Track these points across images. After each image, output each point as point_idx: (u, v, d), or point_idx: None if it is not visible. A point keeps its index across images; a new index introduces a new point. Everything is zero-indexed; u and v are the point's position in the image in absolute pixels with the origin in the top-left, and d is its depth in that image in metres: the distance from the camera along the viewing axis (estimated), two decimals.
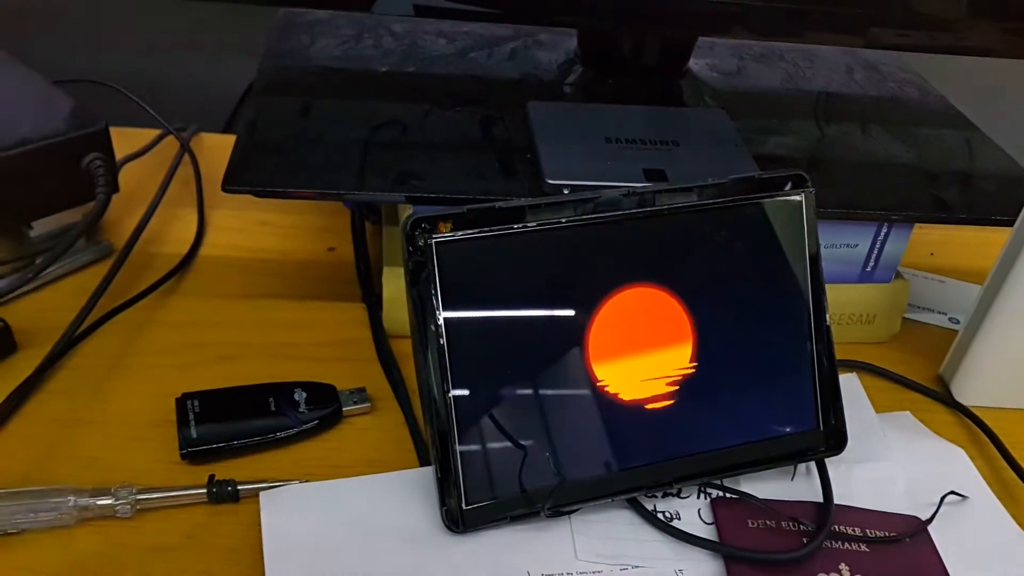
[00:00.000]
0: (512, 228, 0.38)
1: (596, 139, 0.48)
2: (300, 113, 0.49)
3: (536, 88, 0.54)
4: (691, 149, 0.48)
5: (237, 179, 0.44)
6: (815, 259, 0.42)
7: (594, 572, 0.38)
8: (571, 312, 0.39)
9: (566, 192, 0.44)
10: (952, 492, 0.42)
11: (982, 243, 0.62)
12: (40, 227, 0.51)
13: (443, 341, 0.38)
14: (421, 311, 0.38)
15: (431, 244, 0.37)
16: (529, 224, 0.38)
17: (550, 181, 0.45)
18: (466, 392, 0.38)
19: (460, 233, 0.38)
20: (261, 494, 0.39)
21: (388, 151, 0.47)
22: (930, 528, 0.41)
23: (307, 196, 0.45)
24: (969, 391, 0.50)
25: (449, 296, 0.38)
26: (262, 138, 0.47)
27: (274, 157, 0.46)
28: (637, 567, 0.38)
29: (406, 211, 0.50)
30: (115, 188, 0.51)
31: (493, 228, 0.38)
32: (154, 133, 0.64)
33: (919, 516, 0.41)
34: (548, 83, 0.55)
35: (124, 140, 0.52)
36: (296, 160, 0.46)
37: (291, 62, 0.54)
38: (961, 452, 0.46)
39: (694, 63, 0.57)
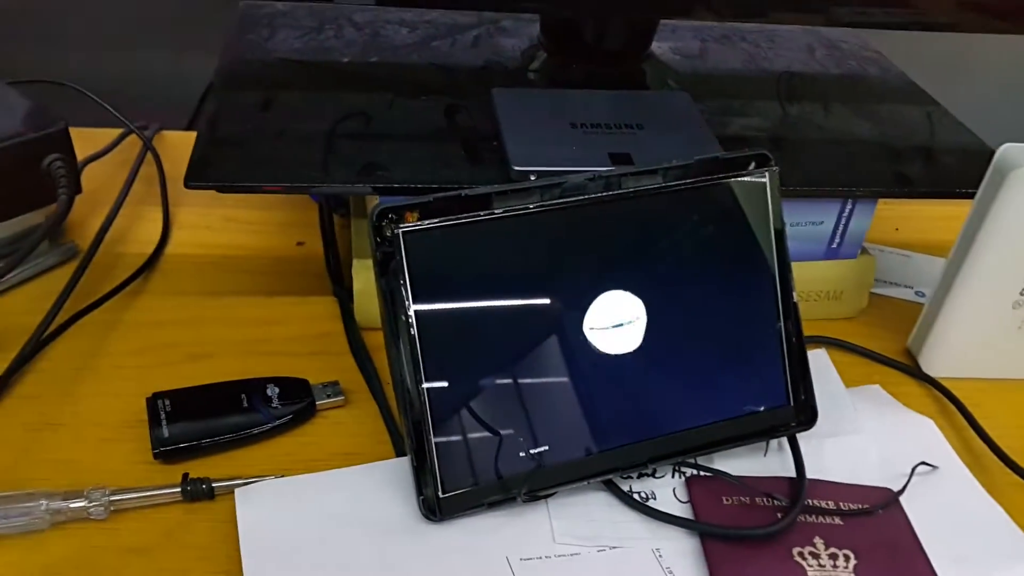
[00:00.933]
0: (479, 215, 0.38)
1: (561, 124, 0.48)
2: (262, 107, 0.49)
3: (500, 75, 0.54)
4: (656, 132, 0.48)
5: (199, 175, 0.44)
6: (780, 237, 0.43)
7: (572, 555, 0.38)
8: (542, 297, 0.39)
9: (532, 178, 0.44)
10: (923, 463, 0.43)
11: (945, 217, 0.63)
12: (1, 230, 0.51)
13: (414, 331, 0.38)
14: (391, 302, 0.38)
15: (398, 234, 0.37)
16: (496, 211, 0.39)
17: (516, 168, 0.45)
18: (439, 381, 0.38)
19: (427, 222, 0.38)
20: (236, 491, 0.39)
21: (353, 142, 0.47)
22: (902, 499, 0.42)
23: (271, 190, 0.44)
24: (936, 362, 0.50)
25: (418, 286, 0.38)
26: (224, 133, 0.47)
27: (236, 151, 0.46)
28: (615, 548, 0.39)
29: (373, 202, 0.50)
30: (77, 189, 0.50)
31: (460, 216, 0.38)
32: (116, 132, 0.63)
33: (891, 487, 0.42)
34: (512, 70, 0.55)
35: (86, 140, 0.51)
36: (259, 154, 0.46)
37: (251, 55, 0.53)
38: (930, 423, 0.46)
39: (656, 46, 0.57)
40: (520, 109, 0.49)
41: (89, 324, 0.48)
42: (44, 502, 0.38)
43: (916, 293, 0.57)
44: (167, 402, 0.42)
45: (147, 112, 0.66)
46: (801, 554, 0.39)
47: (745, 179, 0.42)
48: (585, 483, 0.40)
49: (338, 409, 0.45)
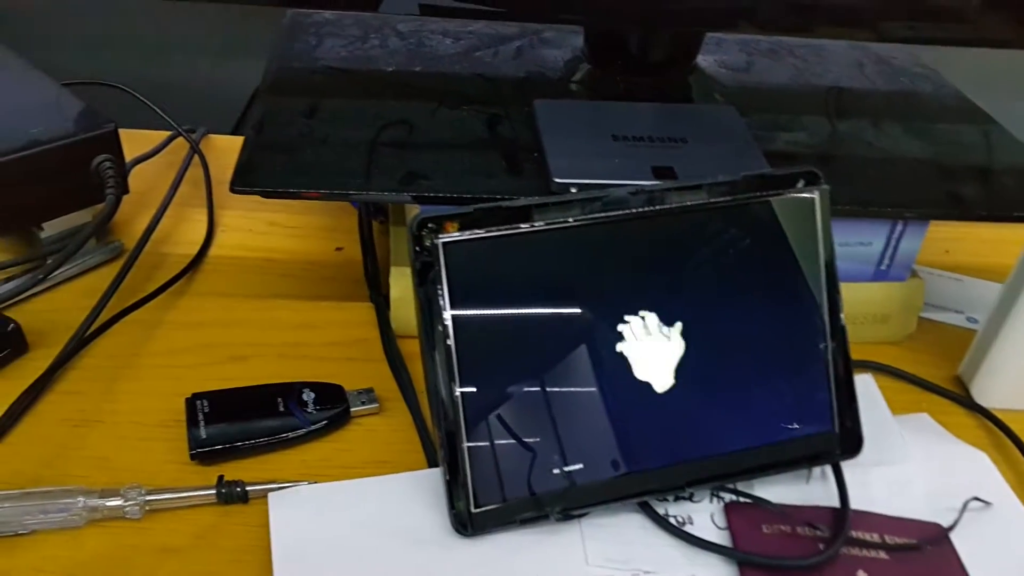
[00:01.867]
0: (519, 228, 0.38)
1: (603, 137, 0.47)
2: (307, 113, 0.49)
3: (542, 86, 0.54)
4: (700, 146, 0.47)
5: (245, 180, 0.44)
6: (830, 257, 0.42)
7: None
8: (580, 312, 0.39)
9: (573, 191, 0.44)
10: (975, 498, 0.41)
11: (1000, 240, 0.61)
12: (50, 228, 0.52)
13: (450, 341, 0.37)
14: (428, 311, 0.38)
15: (438, 244, 0.37)
16: (536, 223, 0.38)
17: (557, 180, 0.45)
18: (474, 393, 0.38)
19: (467, 233, 0.38)
20: (270, 495, 0.39)
21: (395, 151, 0.47)
22: (952, 535, 0.40)
23: (314, 196, 0.44)
24: (990, 392, 0.49)
25: (456, 296, 0.37)
26: (269, 139, 0.47)
27: (281, 157, 0.46)
28: (648, 572, 0.38)
29: (413, 211, 0.50)
30: (125, 189, 0.51)
31: (500, 228, 0.38)
32: (164, 135, 0.64)
33: (940, 523, 0.40)
34: (554, 81, 0.55)
35: (134, 142, 0.52)
36: (303, 160, 0.46)
37: (298, 63, 0.53)
38: (983, 456, 0.45)
39: (702, 59, 0.57)
40: (562, 120, 0.49)
41: (132, 323, 0.49)
42: (82, 499, 0.38)
43: (967, 319, 0.56)
44: (205, 403, 0.43)
45: (193, 115, 0.67)
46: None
47: (793, 197, 0.41)
48: (620, 504, 0.39)
49: (372, 416, 0.45)
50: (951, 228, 0.62)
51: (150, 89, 0.66)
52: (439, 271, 0.37)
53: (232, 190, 0.44)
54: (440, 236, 0.37)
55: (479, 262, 0.38)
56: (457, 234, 0.38)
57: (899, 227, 0.49)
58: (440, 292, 0.37)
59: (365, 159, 0.46)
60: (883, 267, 0.51)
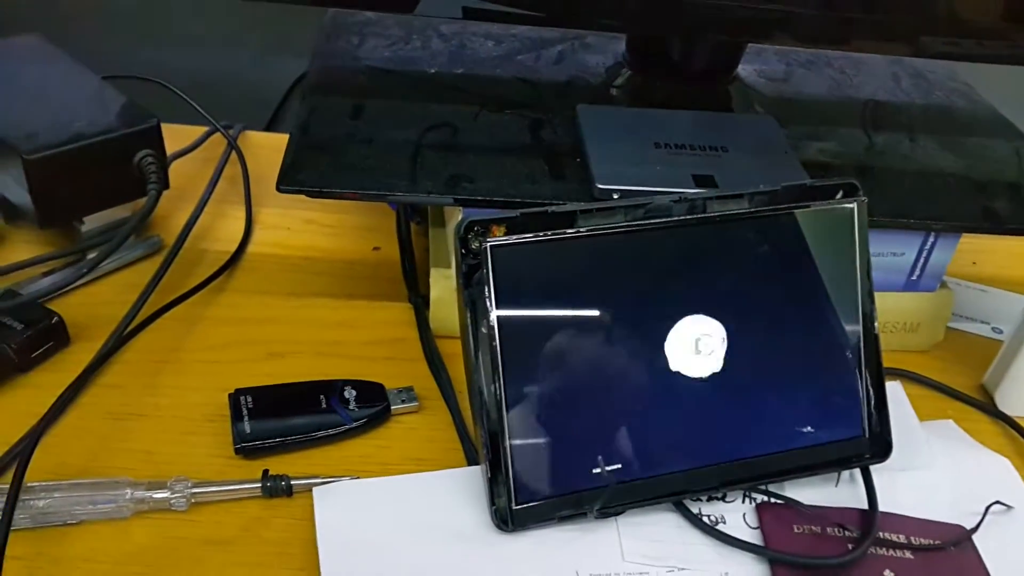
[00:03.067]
0: (564, 233, 0.39)
1: (645, 144, 0.48)
2: (351, 114, 0.50)
3: (584, 91, 0.54)
4: (740, 155, 0.48)
5: (291, 179, 0.45)
6: (866, 268, 0.42)
7: (640, 574, 0.38)
8: (623, 316, 0.40)
9: (616, 197, 0.45)
10: (997, 502, 0.42)
11: None
12: (90, 222, 0.52)
13: (496, 343, 0.38)
14: (473, 313, 0.39)
15: (486, 247, 0.38)
16: (581, 229, 0.39)
17: (600, 186, 0.45)
18: (517, 393, 0.38)
19: (514, 237, 0.38)
20: (315, 489, 0.40)
21: (438, 153, 0.47)
22: (975, 537, 0.41)
23: (359, 197, 0.45)
24: (1014, 401, 0.49)
25: (502, 298, 0.38)
26: (314, 139, 0.48)
27: (326, 158, 0.46)
28: (683, 569, 0.39)
29: (454, 213, 0.50)
30: (166, 185, 0.52)
31: (545, 232, 0.38)
32: (200, 130, 0.65)
33: (964, 525, 0.41)
34: (596, 86, 0.55)
35: (171, 137, 0.52)
36: (348, 161, 0.46)
37: (341, 62, 0.54)
38: (1006, 462, 0.45)
39: (742, 68, 0.57)
40: (604, 126, 0.49)
41: (173, 318, 0.49)
42: (129, 491, 0.39)
43: (993, 329, 0.56)
44: (249, 399, 0.43)
45: (226, 111, 0.67)
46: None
47: (832, 208, 0.42)
48: (656, 503, 0.40)
49: (412, 415, 0.45)
50: (978, 240, 0.62)
51: (184, 84, 0.66)
52: (486, 273, 0.38)
53: (279, 189, 0.44)
54: (488, 240, 0.38)
55: (524, 265, 0.39)
56: (504, 238, 0.38)
57: (931, 239, 0.50)
58: (487, 294, 0.38)
59: (409, 161, 0.46)
60: (914, 277, 0.51)
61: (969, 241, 0.60)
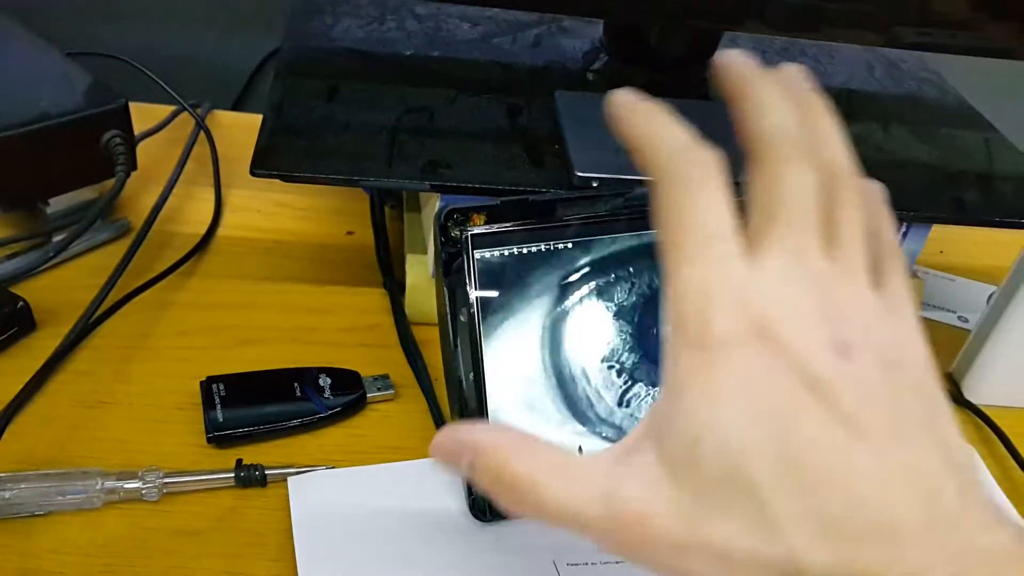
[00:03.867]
0: (545, 222, 0.38)
1: None
2: (326, 96, 0.49)
3: (561, 76, 0.54)
4: (719, 144, 0.48)
5: (265, 163, 0.44)
6: None
7: (617, 562, 0.39)
8: (605, 303, 0.39)
9: (595, 185, 0.44)
10: None
11: (991, 242, 0.63)
12: (56, 204, 0.51)
13: (477, 331, 0.38)
14: (453, 301, 0.38)
15: (467, 236, 0.37)
16: (562, 218, 0.38)
17: (580, 173, 0.45)
18: (496, 383, 0.38)
19: (495, 226, 0.38)
20: (289, 479, 0.40)
21: (415, 138, 0.47)
22: None
23: (334, 182, 0.44)
24: (980, 390, 0.50)
25: (483, 287, 0.38)
26: (288, 121, 0.47)
27: (301, 141, 0.45)
28: None
29: (430, 199, 0.50)
30: (134, 166, 0.51)
31: (525, 222, 0.38)
32: (166, 109, 0.63)
33: None
34: (573, 71, 0.55)
35: (135, 116, 0.51)
36: (323, 145, 0.45)
37: (315, 42, 0.53)
38: (972, 450, 0.46)
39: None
40: (583, 113, 0.49)
41: (141, 303, 0.48)
42: (100, 481, 0.38)
43: (959, 318, 0.57)
44: (221, 387, 0.43)
45: (192, 89, 0.65)
46: None
47: None
48: None
49: (387, 403, 0.45)
50: (945, 230, 0.63)
51: (148, 61, 0.65)
52: (467, 262, 0.38)
53: (253, 173, 0.43)
54: (468, 228, 0.38)
55: (505, 254, 0.38)
56: (484, 227, 0.38)
57: (903, 229, 0.50)
58: (468, 283, 0.38)
59: (385, 146, 0.46)
60: None
61: (936, 230, 0.61)
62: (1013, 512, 0.43)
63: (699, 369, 0.22)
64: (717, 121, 0.52)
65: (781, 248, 0.23)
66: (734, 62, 0.27)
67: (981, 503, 0.22)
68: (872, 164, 0.52)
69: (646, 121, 0.26)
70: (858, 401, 0.22)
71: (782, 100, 0.25)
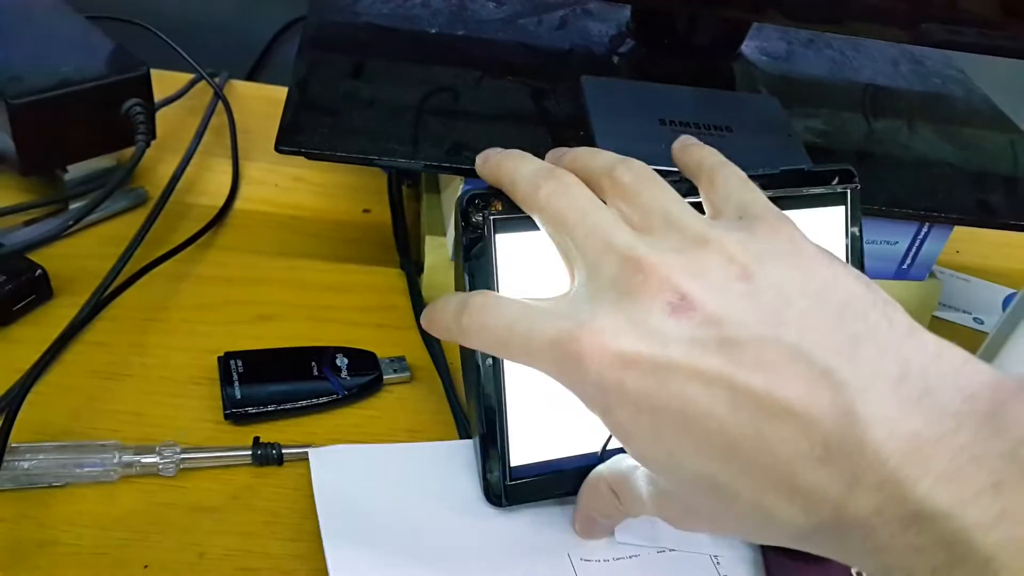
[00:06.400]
0: None
1: (650, 120, 0.47)
2: (351, 73, 0.48)
3: (586, 60, 0.53)
4: (745, 137, 0.48)
5: (290, 140, 0.43)
6: (858, 254, 0.42)
7: (631, 556, 0.39)
8: None
9: None
10: None
11: (1008, 244, 0.63)
12: (73, 171, 0.50)
13: None
14: (473, 286, 0.38)
15: (490, 221, 0.37)
16: None
17: None
18: (515, 369, 0.38)
19: (517, 212, 0.37)
20: (310, 452, 0.39)
21: (440, 119, 0.46)
22: None
23: (360, 162, 0.44)
24: None
25: (504, 272, 0.38)
26: (313, 97, 0.46)
27: (327, 118, 0.45)
28: (674, 551, 0.39)
29: (451, 180, 0.49)
30: (153, 135, 0.50)
31: None
32: (184, 77, 0.62)
33: None
34: (599, 55, 0.54)
35: (155, 83, 0.50)
36: (348, 123, 0.45)
37: (339, 17, 0.52)
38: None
39: (744, 45, 0.57)
40: (609, 100, 0.48)
41: (159, 275, 0.48)
42: (117, 454, 0.38)
43: (974, 319, 0.57)
44: (239, 363, 0.43)
45: (208, 56, 0.65)
46: (860, 573, 0.39)
47: (826, 193, 0.41)
48: None
49: (403, 385, 0.45)
50: (963, 230, 0.63)
51: (164, 27, 0.64)
52: (488, 246, 0.37)
53: (278, 149, 0.43)
54: (491, 214, 0.37)
55: (526, 239, 0.38)
56: (507, 213, 0.37)
57: (925, 229, 0.50)
58: (489, 268, 0.37)
59: (411, 126, 0.45)
60: (905, 266, 0.52)
61: (956, 230, 0.61)
62: None
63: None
64: (744, 113, 0.52)
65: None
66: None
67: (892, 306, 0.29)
68: (896, 161, 0.51)
69: (500, 163, 0.35)
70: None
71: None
